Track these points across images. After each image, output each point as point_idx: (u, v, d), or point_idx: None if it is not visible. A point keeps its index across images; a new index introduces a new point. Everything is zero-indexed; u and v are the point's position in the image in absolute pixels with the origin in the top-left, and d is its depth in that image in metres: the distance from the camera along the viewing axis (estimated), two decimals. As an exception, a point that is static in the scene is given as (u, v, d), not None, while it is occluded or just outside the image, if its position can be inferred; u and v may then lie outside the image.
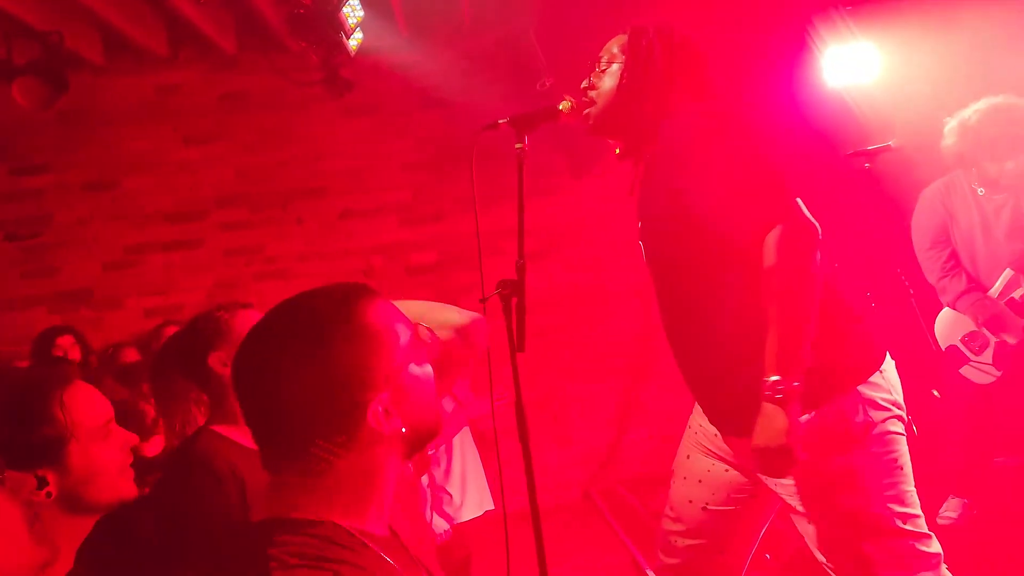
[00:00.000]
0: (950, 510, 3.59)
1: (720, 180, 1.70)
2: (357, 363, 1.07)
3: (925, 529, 1.76)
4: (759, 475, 1.80)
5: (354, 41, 4.02)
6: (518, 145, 1.93)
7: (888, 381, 1.77)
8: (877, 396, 1.72)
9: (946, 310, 3.57)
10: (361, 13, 3.91)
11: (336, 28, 3.79)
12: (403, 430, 1.10)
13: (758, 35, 4.27)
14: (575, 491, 5.05)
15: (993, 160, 3.32)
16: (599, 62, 1.96)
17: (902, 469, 1.74)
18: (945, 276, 3.50)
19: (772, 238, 1.65)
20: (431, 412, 1.16)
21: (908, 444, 1.79)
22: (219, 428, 1.85)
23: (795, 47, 4.51)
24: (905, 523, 1.72)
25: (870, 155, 3.50)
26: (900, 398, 1.78)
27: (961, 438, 3.61)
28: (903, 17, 4.28)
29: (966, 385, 3.52)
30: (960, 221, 3.48)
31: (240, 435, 1.82)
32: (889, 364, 1.80)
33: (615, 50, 1.93)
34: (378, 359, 1.09)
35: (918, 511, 1.76)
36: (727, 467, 1.94)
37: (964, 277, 3.47)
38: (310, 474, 1.06)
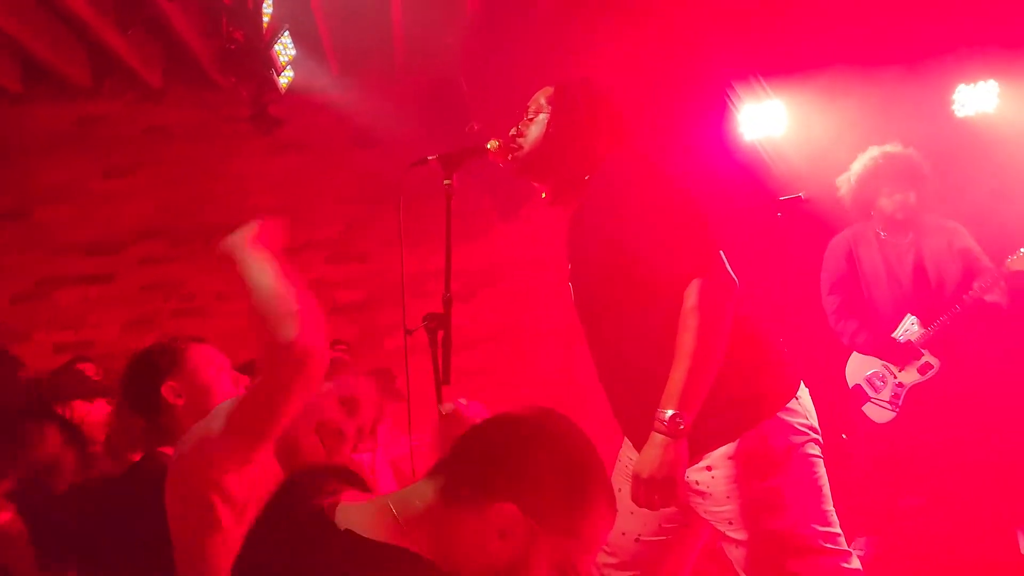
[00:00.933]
0: (857, 548, 3.70)
1: (646, 230, 1.81)
2: None
3: (846, 547, 1.85)
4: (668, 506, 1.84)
5: (284, 79, 4.03)
6: (446, 181, 1.99)
7: (804, 407, 1.86)
8: (795, 421, 1.82)
9: (854, 353, 3.75)
10: (293, 51, 3.93)
11: (267, 65, 3.80)
12: None
13: (680, 93, 4.49)
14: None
15: (885, 196, 3.58)
16: (527, 111, 2.05)
17: (822, 490, 1.84)
18: (840, 320, 3.70)
19: (692, 287, 1.76)
20: None
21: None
22: (166, 450, 1.86)
23: (715, 105, 4.75)
24: (828, 542, 1.80)
25: (783, 205, 3.69)
26: (815, 423, 1.88)
27: (864, 477, 3.76)
28: (809, 80, 4.62)
29: (869, 424, 3.68)
30: (866, 268, 3.68)
31: None
32: (804, 391, 1.90)
33: (542, 101, 2.03)
34: None
35: (838, 530, 1.85)
36: None
37: (856, 320, 3.66)
38: None
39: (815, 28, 4.46)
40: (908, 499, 4.21)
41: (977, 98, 4.86)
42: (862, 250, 3.70)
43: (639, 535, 2.02)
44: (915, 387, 3.59)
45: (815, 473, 1.82)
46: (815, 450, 1.84)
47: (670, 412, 1.71)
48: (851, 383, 3.75)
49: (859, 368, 3.73)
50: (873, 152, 3.67)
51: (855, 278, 3.70)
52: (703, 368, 1.72)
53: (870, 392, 3.68)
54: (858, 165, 3.69)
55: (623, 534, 2.03)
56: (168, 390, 1.88)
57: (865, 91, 4.61)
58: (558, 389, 5.02)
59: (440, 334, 1.86)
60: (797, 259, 4.28)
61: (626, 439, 2.08)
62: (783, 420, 1.80)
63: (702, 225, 1.81)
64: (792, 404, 1.83)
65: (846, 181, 3.73)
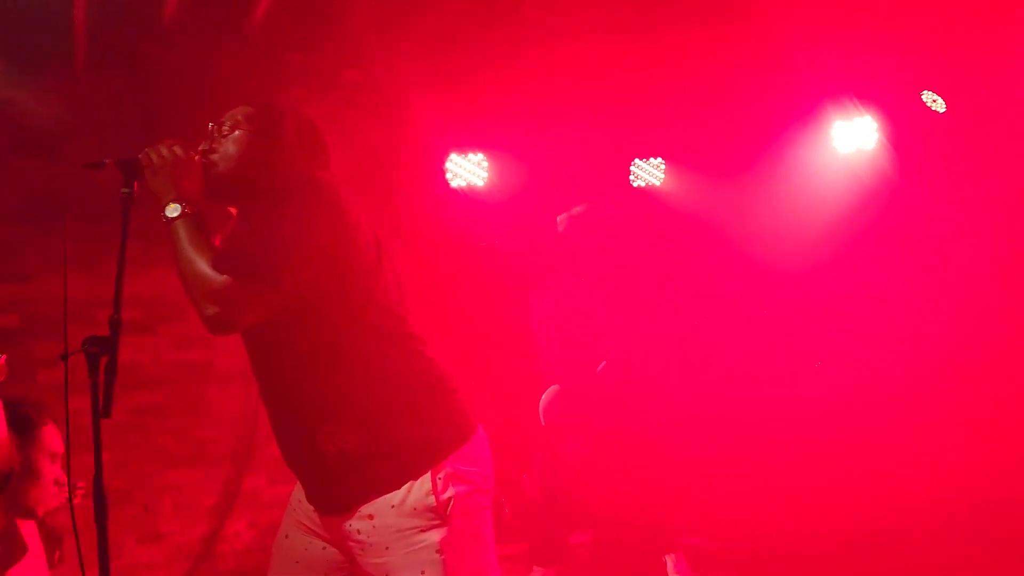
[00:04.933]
0: (534, 583, 3.89)
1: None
2: None
3: None
4: (353, 553, 1.80)
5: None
6: (125, 190, 1.77)
7: (477, 454, 1.84)
8: (463, 470, 1.78)
9: (551, 388, 3.96)
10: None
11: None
12: None
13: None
14: (163, 591, 4.55)
15: None
16: (221, 126, 1.90)
17: (484, 543, 1.82)
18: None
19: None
20: None
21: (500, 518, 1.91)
22: None
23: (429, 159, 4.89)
24: None
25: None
26: (488, 471, 1.86)
27: (545, 511, 3.98)
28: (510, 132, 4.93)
29: (559, 459, 3.91)
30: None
31: None
32: (479, 438, 1.87)
33: (239, 118, 1.90)
34: None
35: None
36: (324, 544, 1.89)
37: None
38: None
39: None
40: (578, 534, 4.54)
41: (648, 173, 5.51)
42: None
43: None
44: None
45: (477, 524, 1.80)
46: (481, 500, 1.82)
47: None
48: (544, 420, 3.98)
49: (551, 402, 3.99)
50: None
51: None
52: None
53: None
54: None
55: None
56: None
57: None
58: (234, 432, 4.73)
59: (103, 360, 1.62)
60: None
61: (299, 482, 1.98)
62: (452, 468, 1.76)
63: (284, 251, 1.68)
64: (463, 451, 1.80)
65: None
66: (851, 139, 5.30)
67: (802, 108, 5.22)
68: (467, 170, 5.01)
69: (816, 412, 5.12)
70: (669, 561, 3.93)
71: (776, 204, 5.34)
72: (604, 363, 3.86)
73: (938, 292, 5.15)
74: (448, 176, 4.98)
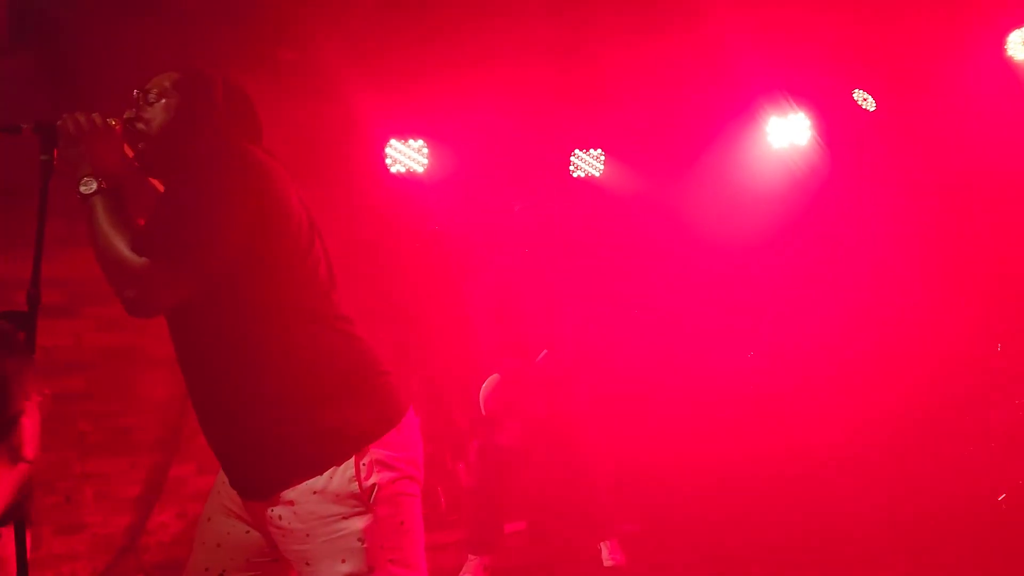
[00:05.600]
0: (468, 572, 3.88)
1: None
2: None
3: None
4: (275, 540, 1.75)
5: None
6: (44, 157, 1.68)
7: (405, 439, 1.79)
8: (389, 456, 1.73)
9: (492, 376, 3.93)
10: None
11: None
12: None
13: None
14: (84, 584, 4.40)
15: None
16: (147, 94, 1.81)
17: (409, 532, 1.76)
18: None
19: None
20: None
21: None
22: None
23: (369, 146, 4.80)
24: None
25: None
26: (417, 457, 1.81)
27: (480, 500, 3.97)
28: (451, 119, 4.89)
29: (496, 449, 3.90)
30: None
31: None
32: (408, 423, 1.82)
33: (167, 85, 1.81)
34: None
35: (420, 574, 1.79)
36: (248, 528, 1.83)
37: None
38: None
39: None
40: (512, 524, 4.56)
41: (587, 164, 5.54)
42: None
43: (223, 570, 1.84)
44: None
45: (403, 512, 1.75)
46: (408, 487, 1.77)
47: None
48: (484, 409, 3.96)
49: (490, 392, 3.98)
50: None
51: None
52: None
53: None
54: None
55: (206, 570, 1.84)
56: None
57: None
58: (161, 419, 4.59)
59: (21, 335, 1.54)
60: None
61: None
62: (377, 454, 1.71)
63: (209, 229, 1.63)
64: (389, 437, 1.75)
65: None
66: (785, 135, 5.42)
67: (738, 103, 5.32)
68: (407, 156, 4.96)
69: (750, 397, 5.25)
70: (604, 548, 3.97)
71: (713, 196, 5.44)
72: (545, 352, 3.87)
73: (867, 282, 5.33)
74: (388, 161, 4.92)
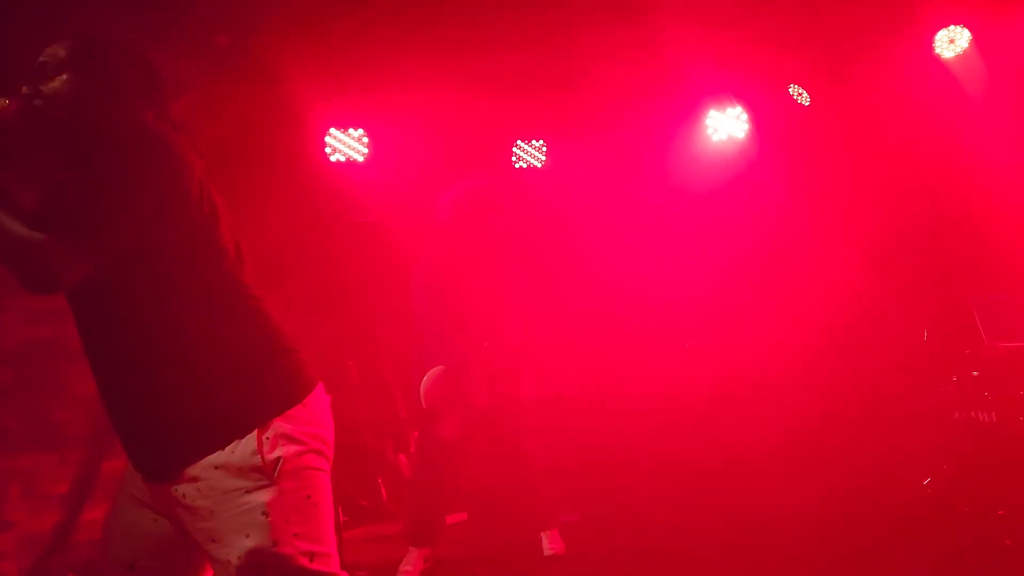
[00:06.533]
0: (408, 563, 3.86)
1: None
2: None
3: (336, 569, 1.77)
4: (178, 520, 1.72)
5: None
6: None
7: (312, 414, 1.77)
8: (294, 429, 1.72)
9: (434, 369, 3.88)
10: None
11: None
12: None
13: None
14: (8, 585, 4.26)
15: None
16: (45, 67, 1.74)
17: (317, 506, 1.74)
18: None
19: None
20: None
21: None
22: None
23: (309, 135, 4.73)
24: (313, 562, 1.71)
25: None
26: (324, 432, 1.80)
27: (421, 492, 3.95)
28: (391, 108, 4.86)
29: (437, 440, 3.88)
30: None
31: None
32: (316, 399, 1.80)
33: (63, 55, 1.75)
34: None
35: (330, 550, 1.77)
36: (155, 516, 1.79)
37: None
38: None
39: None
40: (453, 515, 4.56)
41: (529, 155, 5.54)
42: None
43: (133, 562, 1.79)
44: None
45: (309, 486, 1.73)
46: (315, 461, 1.75)
47: None
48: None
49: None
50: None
51: None
52: None
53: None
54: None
55: (116, 560, 1.80)
56: None
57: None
58: (91, 413, 4.46)
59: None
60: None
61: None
62: (281, 428, 1.69)
63: (110, 203, 1.60)
64: (296, 411, 1.73)
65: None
66: (723, 127, 5.52)
67: (679, 97, 5.39)
68: (347, 145, 4.90)
69: (692, 388, 5.34)
70: (544, 538, 4.00)
71: (653, 186, 5.51)
72: (487, 344, 3.86)
73: (797, 274, 5.47)
74: (327, 150, 4.85)
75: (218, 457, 1.65)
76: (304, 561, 1.68)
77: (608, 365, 5.29)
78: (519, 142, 5.47)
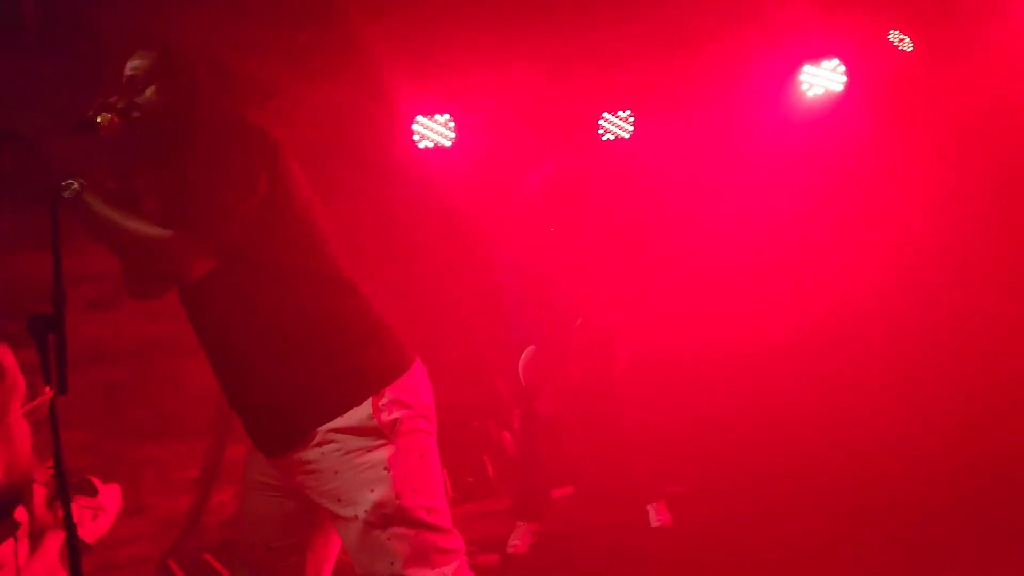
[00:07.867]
0: (517, 538, 3.93)
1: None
2: None
3: (449, 525, 1.87)
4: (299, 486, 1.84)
5: None
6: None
7: (416, 384, 1.91)
8: (405, 395, 1.85)
9: (530, 347, 3.94)
10: None
11: None
12: None
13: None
14: (149, 566, 4.55)
15: None
16: (133, 80, 1.83)
17: (428, 466, 1.87)
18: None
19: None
20: None
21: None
22: None
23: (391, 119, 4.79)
24: (430, 516, 1.81)
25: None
26: (428, 399, 1.93)
27: (526, 468, 4.01)
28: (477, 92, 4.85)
29: (538, 417, 3.93)
30: None
31: None
32: (418, 370, 1.94)
33: (149, 66, 1.84)
34: None
35: (443, 506, 1.87)
36: (279, 497, 1.92)
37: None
38: None
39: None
40: (559, 489, 4.60)
41: (616, 127, 5.47)
42: None
43: (269, 544, 1.92)
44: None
45: (420, 446, 1.86)
46: (423, 424, 1.88)
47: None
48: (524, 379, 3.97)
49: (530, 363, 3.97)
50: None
51: None
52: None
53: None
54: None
55: (254, 545, 1.94)
56: None
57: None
58: (211, 403, 4.68)
59: (51, 337, 1.59)
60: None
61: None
62: (393, 394, 1.83)
63: (224, 195, 1.72)
64: (403, 380, 1.86)
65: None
66: (819, 81, 5.28)
67: (770, 56, 5.19)
68: (434, 131, 4.95)
69: (792, 360, 5.18)
70: (651, 510, 3.99)
71: (746, 152, 5.33)
72: (581, 320, 3.87)
73: (907, 235, 5.20)
74: (415, 138, 4.92)
75: (338, 422, 1.78)
76: (423, 514, 1.80)
77: (703, 337, 5.18)
78: (605, 114, 5.40)
